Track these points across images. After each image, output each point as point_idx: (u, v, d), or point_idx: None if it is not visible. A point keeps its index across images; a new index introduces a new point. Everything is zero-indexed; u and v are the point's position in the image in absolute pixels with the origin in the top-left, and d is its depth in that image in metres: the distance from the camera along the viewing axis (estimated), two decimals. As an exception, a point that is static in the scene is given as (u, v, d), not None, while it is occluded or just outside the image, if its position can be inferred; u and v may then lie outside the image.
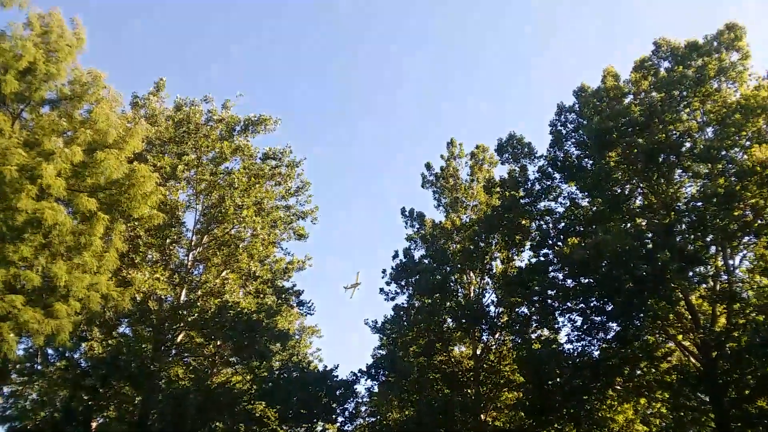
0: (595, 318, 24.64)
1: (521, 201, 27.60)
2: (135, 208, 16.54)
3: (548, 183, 27.20)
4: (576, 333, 25.05)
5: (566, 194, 27.01)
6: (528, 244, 28.51)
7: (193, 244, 28.57)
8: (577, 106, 26.98)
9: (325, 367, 31.85)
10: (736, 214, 21.67)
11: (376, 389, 29.56)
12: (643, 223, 24.30)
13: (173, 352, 27.53)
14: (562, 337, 26.86)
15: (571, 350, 25.26)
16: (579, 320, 25.08)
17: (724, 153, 22.46)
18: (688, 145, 23.54)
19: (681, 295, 22.64)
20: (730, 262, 23.29)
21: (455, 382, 28.77)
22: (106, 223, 15.79)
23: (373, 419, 31.12)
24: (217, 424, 26.85)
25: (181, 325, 26.75)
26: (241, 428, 27.30)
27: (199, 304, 27.30)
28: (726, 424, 21.25)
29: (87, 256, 15.33)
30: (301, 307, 32.61)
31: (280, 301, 30.92)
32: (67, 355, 24.30)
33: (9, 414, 23.17)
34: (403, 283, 31.21)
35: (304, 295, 32.14)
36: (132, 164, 16.66)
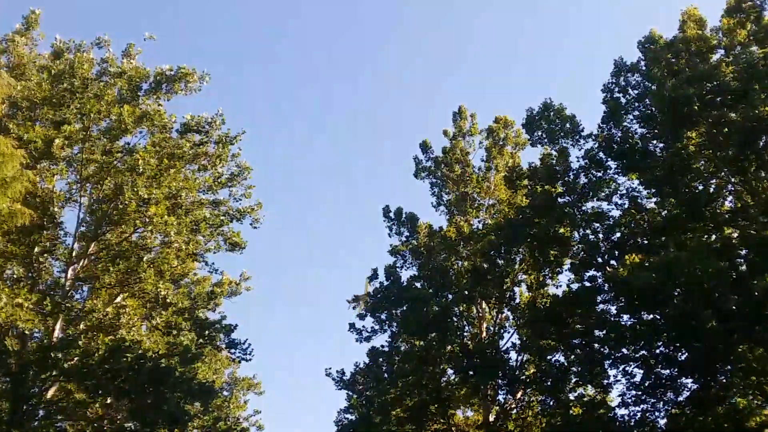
0: (662, 371, 24.67)
1: (559, 200, 27.55)
2: (-14, 200, 16.18)
3: (599, 174, 27.19)
4: (634, 392, 25.05)
5: (625, 191, 27.07)
6: (568, 262, 28.57)
7: (74, 254, 28.06)
8: (642, 64, 27.04)
9: (268, 438, 31.72)
10: None
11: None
12: (735, 235, 24.39)
13: (40, 413, 26.97)
14: (613, 398, 26.92)
15: (627, 417, 25.23)
16: (638, 374, 25.09)
17: None
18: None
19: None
20: None
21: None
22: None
23: None
24: None
25: (54, 373, 26.27)
26: None
27: (81, 342, 26.81)
28: None
29: None
30: (233, 350, 32.27)
31: (201, 340, 30.53)
32: None
33: None
34: (383, 316, 31.12)
35: (237, 332, 31.87)
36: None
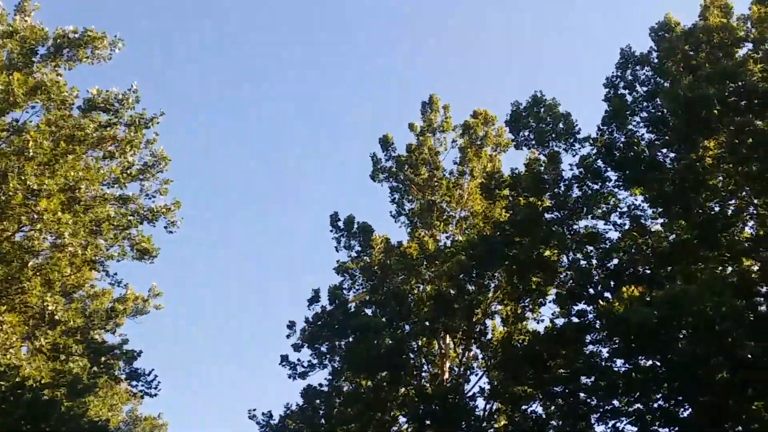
0: (660, 429, 24.71)
1: (546, 216, 27.64)
2: None
3: (595, 187, 27.36)
4: (625, 455, 25.12)
5: (626, 209, 27.31)
6: (553, 292, 28.71)
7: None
8: (654, 55, 27.27)
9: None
10: None
11: None
12: (755, 268, 24.66)
13: None
14: (600, 461, 27.12)
15: (617, 484, 25.40)
16: (632, 432, 25.20)
17: None
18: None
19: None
20: None
21: None
22: None
23: None
24: None
25: None
26: None
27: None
28: None
29: None
30: (134, 382, 32.06)
31: (96, 368, 30.24)
32: None
33: None
34: (324, 348, 31.05)
35: (141, 360, 31.79)
36: None
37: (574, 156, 28.16)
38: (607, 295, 26.41)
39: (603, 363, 25.97)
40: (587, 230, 27.63)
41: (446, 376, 30.78)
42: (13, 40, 28.49)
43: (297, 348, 31.89)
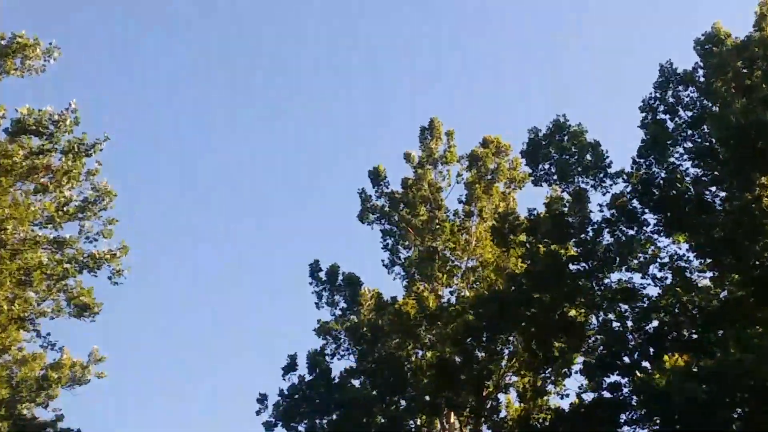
0: None
1: (571, 267, 27.66)
2: None
3: (631, 232, 27.34)
4: None
5: (667, 259, 27.28)
6: (580, 360, 28.63)
7: None
8: (700, 73, 27.29)
9: None
10: None
11: None
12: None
13: None
14: None
15: None
16: None
17: None
18: None
19: None
20: None
21: None
22: None
23: None
24: None
25: None
26: None
27: None
28: None
29: None
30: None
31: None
32: None
33: None
34: (302, 427, 30.87)
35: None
36: None
37: (604, 194, 28.28)
38: (646, 364, 26.18)
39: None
40: (621, 285, 27.56)
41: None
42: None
43: (269, 427, 31.72)
